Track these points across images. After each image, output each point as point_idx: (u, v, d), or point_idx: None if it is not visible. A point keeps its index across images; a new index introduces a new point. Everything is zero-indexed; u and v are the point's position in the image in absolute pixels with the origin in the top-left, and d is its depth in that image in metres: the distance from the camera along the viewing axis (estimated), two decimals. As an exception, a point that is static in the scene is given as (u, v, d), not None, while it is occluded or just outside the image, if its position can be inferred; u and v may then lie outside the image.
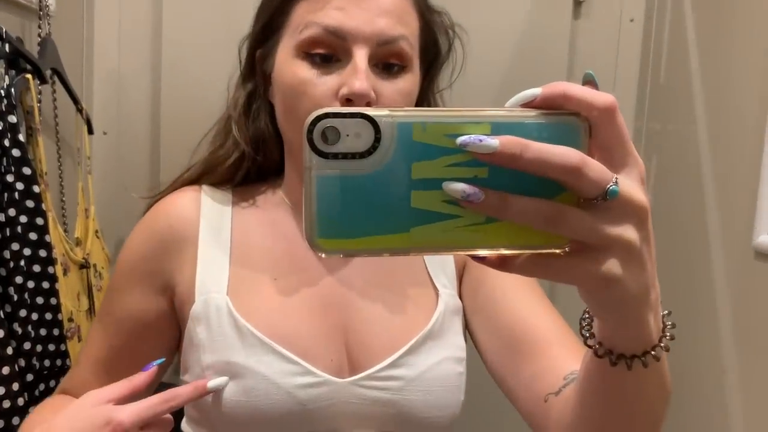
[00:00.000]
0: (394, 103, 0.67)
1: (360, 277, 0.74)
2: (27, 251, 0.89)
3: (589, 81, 0.38)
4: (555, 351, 0.64)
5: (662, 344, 0.42)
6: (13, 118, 0.86)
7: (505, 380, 0.69)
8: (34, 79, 0.97)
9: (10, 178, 0.85)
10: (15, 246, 0.86)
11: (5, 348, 0.82)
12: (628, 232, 0.36)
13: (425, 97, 0.78)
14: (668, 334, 0.43)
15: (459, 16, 0.80)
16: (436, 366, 0.69)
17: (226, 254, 0.73)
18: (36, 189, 0.90)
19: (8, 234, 0.85)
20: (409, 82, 0.69)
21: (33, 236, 0.90)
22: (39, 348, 0.91)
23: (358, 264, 0.74)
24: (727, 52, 1.05)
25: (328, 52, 0.66)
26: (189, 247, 0.72)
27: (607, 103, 0.36)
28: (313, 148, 0.34)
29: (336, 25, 0.65)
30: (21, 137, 0.88)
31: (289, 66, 0.68)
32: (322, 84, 0.66)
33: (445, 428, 0.71)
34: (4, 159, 0.84)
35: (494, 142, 0.33)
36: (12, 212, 0.86)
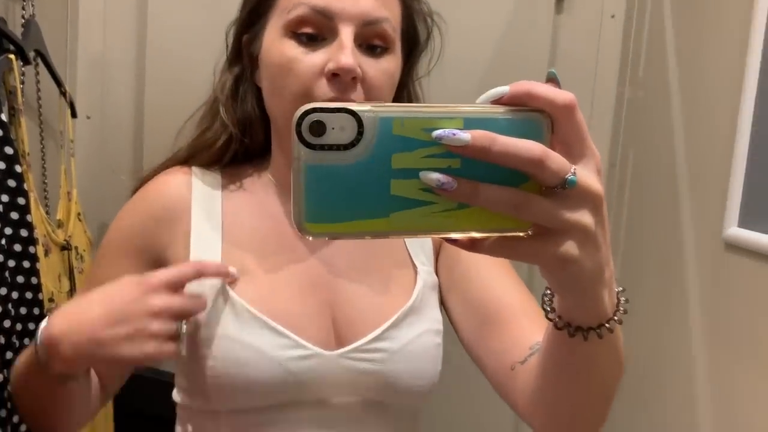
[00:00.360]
0: (378, 82, 0.69)
1: (345, 257, 0.76)
2: (8, 230, 0.89)
3: (551, 79, 0.41)
4: (523, 324, 0.67)
5: (616, 318, 0.45)
6: (-5, 98, 0.86)
7: (478, 353, 0.72)
8: (17, 59, 0.97)
9: (-9, 157, 0.86)
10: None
11: (-15, 325, 0.82)
12: (584, 217, 0.39)
13: (405, 83, 0.79)
14: (622, 308, 0.46)
15: (442, 8, 0.81)
16: (417, 339, 0.73)
17: (218, 234, 0.74)
18: (18, 169, 0.90)
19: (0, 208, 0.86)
20: (392, 63, 0.71)
21: (14, 215, 0.90)
22: (19, 327, 0.91)
23: (342, 245, 0.76)
24: (703, 49, 1.07)
25: (314, 31, 0.68)
26: (181, 225, 0.74)
27: (566, 101, 0.38)
28: (301, 140, 0.37)
29: (323, 5, 0.67)
30: (3, 117, 0.88)
31: (276, 45, 0.69)
32: (308, 60, 0.67)
33: (425, 396, 0.74)
34: (-14, 138, 0.85)
35: (466, 135, 0.36)
36: (-7, 191, 0.86)
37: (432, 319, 0.75)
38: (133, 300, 0.63)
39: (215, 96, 0.79)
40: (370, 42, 0.69)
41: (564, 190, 0.38)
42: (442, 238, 0.41)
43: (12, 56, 0.95)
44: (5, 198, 0.89)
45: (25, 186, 0.92)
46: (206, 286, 0.70)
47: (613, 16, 1.31)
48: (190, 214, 0.74)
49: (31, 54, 1.04)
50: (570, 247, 0.39)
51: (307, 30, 0.68)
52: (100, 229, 1.31)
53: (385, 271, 0.77)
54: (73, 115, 1.19)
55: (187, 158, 0.79)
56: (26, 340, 0.93)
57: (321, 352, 0.69)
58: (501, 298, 0.71)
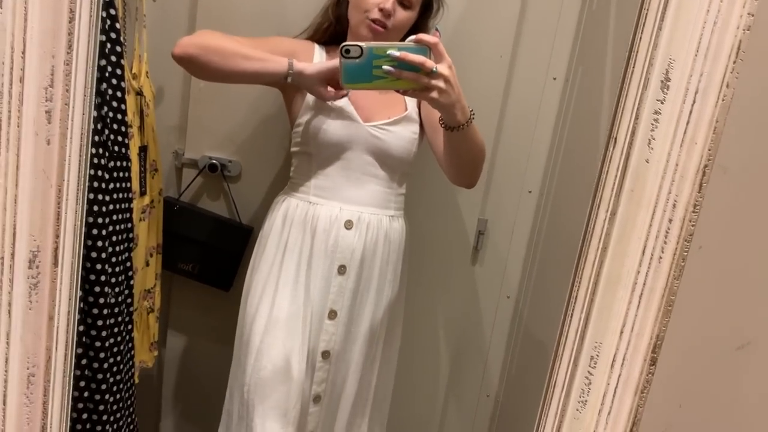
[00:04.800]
0: (400, 21, 1.37)
1: (376, 99, 1.44)
2: (109, 67, 1.29)
3: (436, 30, 1.15)
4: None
5: (468, 123, 1.06)
6: (106, -28, 1.24)
7: (432, 143, 1.43)
8: (116, -53, 1.34)
9: (103, 14, 1.24)
10: (102, 62, 1.26)
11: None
12: (440, 83, 1.06)
13: (420, 28, 1.44)
14: (472, 118, 1.06)
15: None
16: (403, 130, 1.44)
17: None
18: (117, 26, 1.29)
19: (105, 51, 1.26)
20: (411, 15, 1.40)
21: (113, 58, 1.30)
22: (114, 136, 1.33)
23: (372, 93, 1.38)
24: None
25: None
26: (312, 58, 1.45)
27: (433, 42, 1.04)
28: (341, 55, 1.03)
29: None
30: (110, -13, 1.26)
31: None
32: None
33: (404, 163, 1.46)
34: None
35: (398, 54, 1.02)
36: (103, 37, 1.25)
37: (412, 125, 1.46)
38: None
39: (328, 4, 1.48)
40: (403, 1, 1.36)
41: (433, 72, 1.03)
42: (395, 90, 1.03)
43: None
44: (109, 45, 1.28)
45: (122, 38, 1.31)
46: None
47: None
48: (314, 55, 1.46)
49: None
50: (435, 94, 1.06)
51: None
52: (159, 91, 1.71)
53: (394, 103, 1.46)
54: (146, -4, 1.57)
55: (310, 36, 1.50)
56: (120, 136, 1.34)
57: (360, 122, 1.40)
58: (436, 119, 1.22)
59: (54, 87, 0.62)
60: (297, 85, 1.33)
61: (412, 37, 1.04)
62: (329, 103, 1.38)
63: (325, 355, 1.43)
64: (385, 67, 1.01)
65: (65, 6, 0.60)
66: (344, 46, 1.01)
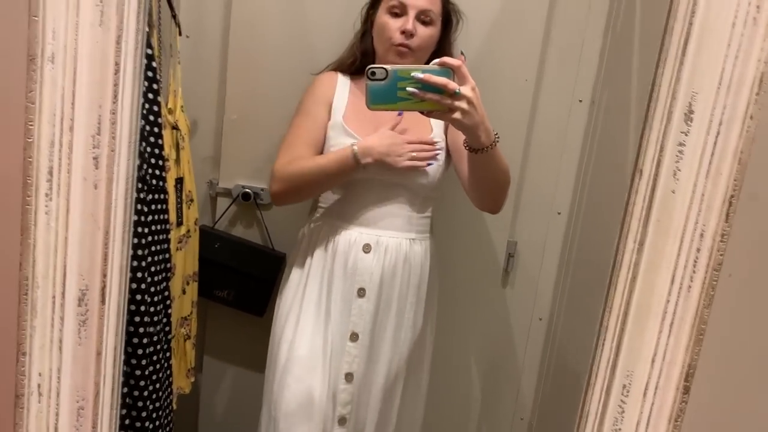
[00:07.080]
0: (424, 39, 1.42)
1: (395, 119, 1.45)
2: (146, 105, 1.34)
3: (461, 53, 1.16)
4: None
5: (492, 145, 1.13)
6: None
7: (457, 165, 1.43)
8: (153, -11, 1.40)
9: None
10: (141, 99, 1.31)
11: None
12: (463, 104, 1.06)
13: (443, 46, 1.50)
14: (496, 141, 1.07)
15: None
16: None
17: (345, 100, 1.49)
18: (154, 64, 1.34)
19: (144, 89, 1.31)
20: (433, 31, 1.44)
21: (150, 95, 1.35)
22: (152, 169, 1.37)
23: (395, 119, 1.44)
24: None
25: (398, 11, 1.41)
26: (333, 93, 1.49)
27: (457, 65, 1.05)
28: (367, 77, 1.05)
29: (404, 1, 1.40)
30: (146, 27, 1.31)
31: (382, 18, 1.44)
32: (393, 23, 1.41)
33: (429, 187, 1.46)
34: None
35: (422, 76, 1.03)
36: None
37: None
38: (399, 142, 1.39)
39: (354, 41, 1.55)
40: (423, 19, 1.41)
41: (456, 94, 1.04)
42: (418, 111, 1.05)
43: (150, -13, 1.38)
44: (146, 83, 1.33)
45: (158, 76, 1.36)
46: (338, 123, 1.45)
47: None
48: (335, 89, 1.50)
49: (157, -14, 1.47)
50: (458, 115, 1.07)
51: (396, 10, 1.42)
52: (193, 124, 1.76)
53: (418, 129, 1.46)
54: (180, 33, 1.63)
55: (336, 68, 1.55)
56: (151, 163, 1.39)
57: None
58: (461, 144, 1.22)
59: (101, 135, 0.66)
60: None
61: (437, 60, 1.06)
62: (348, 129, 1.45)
63: (349, 377, 1.45)
64: (409, 88, 1.04)
65: (111, 59, 0.64)
66: (370, 68, 1.05)
